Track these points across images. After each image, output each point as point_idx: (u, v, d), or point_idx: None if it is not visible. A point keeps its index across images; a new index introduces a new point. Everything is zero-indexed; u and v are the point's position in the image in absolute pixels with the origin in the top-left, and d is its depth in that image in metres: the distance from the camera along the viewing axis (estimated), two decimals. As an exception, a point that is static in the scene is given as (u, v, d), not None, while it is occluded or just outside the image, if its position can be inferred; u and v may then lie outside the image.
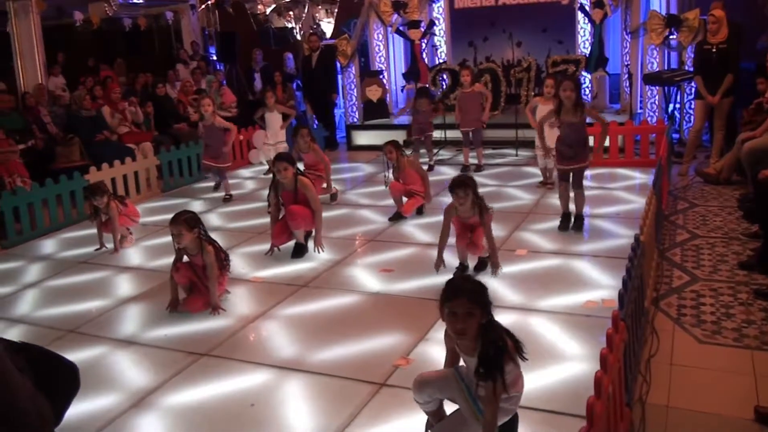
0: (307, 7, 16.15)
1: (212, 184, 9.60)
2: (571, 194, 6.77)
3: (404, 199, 7.62)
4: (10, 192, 7.90)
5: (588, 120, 6.78)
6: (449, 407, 3.36)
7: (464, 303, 3.00)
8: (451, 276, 5.51)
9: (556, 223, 6.85)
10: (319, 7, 16.47)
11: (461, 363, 3.30)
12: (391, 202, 7.79)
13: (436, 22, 13.16)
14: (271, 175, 10.33)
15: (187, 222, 5.24)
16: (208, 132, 9.13)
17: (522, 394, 3.20)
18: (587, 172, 7.00)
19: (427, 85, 11.93)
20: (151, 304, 5.61)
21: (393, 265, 6.14)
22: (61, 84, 12.53)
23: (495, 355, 2.98)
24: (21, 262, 7.08)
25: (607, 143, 9.33)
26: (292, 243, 6.61)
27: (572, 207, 6.81)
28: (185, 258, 5.43)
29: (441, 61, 13.00)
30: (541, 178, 8.73)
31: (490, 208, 5.65)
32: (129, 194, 9.06)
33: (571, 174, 6.71)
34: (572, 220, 6.79)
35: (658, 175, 6.28)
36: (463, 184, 5.47)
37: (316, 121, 12.67)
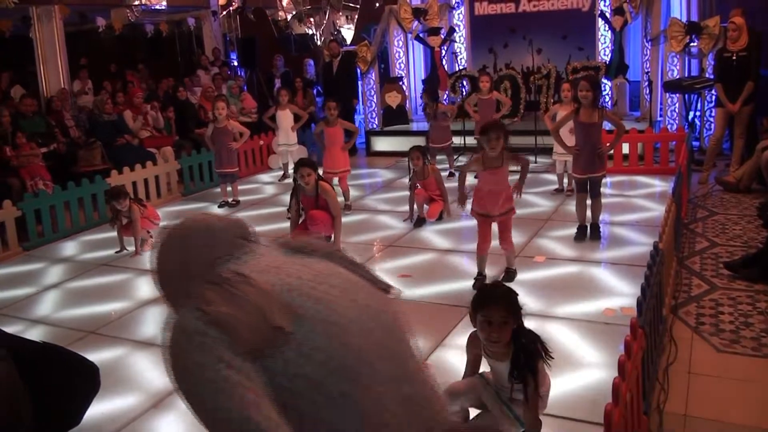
0: (327, 13, 16.22)
1: (229, 188, 9.43)
2: (588, 202, 6.73)
3: (425, 207, 7.65)
4: (32, 194, 7.99)
5: (606, 127, 6.74)
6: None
7: (500, 312, 3.03)
8: (467, 281, 5.59)
9: (575, 230, 6.83)
10: (340, 13, 16.54)
11: (482, 369, 3.32)
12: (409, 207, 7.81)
13: (456, 28, 13.17)
14: (285, 180, 10.43)
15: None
16: (218, 135, 9.04)
17: (549, 393, 3.24)
18: (607, 179, 6.95)
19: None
20: (170, 307, 5.64)
21: (411, 271, 6.15)
22: (86, 87, 12.64)
23: (527, 358, 3.03)
24: (42, 263, 7.16)
25: (626, 150, 9.34)
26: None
27: (588, 214, 6.76)
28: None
29: (461, 67, 13.01)
30: (557, 186, 8.73)
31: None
32: (150, 198, 9.14)
33: (588, 183, 6.68)
34: (588, 230, 6.76)
35: (678, 183, 6.25)
36: (495, 127, 5.43)
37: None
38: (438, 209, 7.62)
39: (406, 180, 7.98)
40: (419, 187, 7.66)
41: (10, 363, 2.30)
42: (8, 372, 2.36)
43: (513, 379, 3.07)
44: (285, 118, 10.23)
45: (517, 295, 3.14)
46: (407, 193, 7.91)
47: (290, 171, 10.33)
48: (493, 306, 3.05)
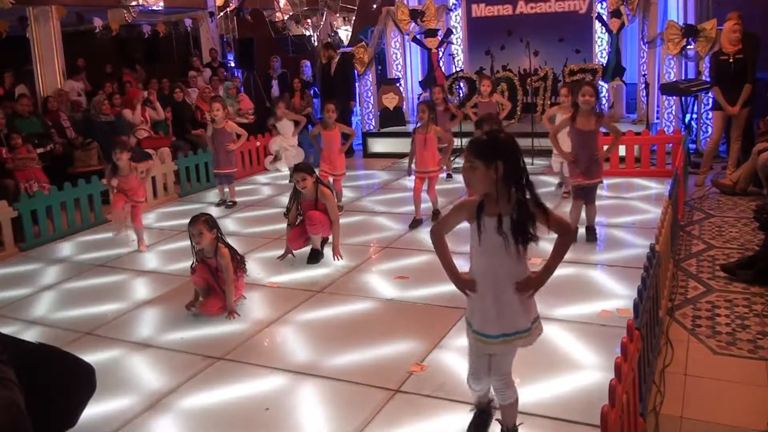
0: (324, 15, 16.20)
1: (226, 189, 9.36)
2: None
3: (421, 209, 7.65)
4: (28, 195, 7.98)
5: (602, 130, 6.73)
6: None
7: (466, 156, 3.11)
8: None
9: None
10: (337, 15, 16.52)
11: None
12: (406, 209, 7.81)
13: (454, 30, 13.19)
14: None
15: (207, 222, 5.28)
16: (217, 136, 9.04)
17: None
18: (604, 182, 6.93)
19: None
20: (167, 308, 5.65)
21: (408, 272, 6.15)
22: (78, 88, 12.59)
23: (525, 220, 3.25)
24: (39, 264, 7.15)
25: (623, 152, 9.35)
26: (307, 249, 6.64)
27: (582, 216, 6.75)
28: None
29: (458, 69, 13.02)
30: (556, 181, 8.73)
31: None
32: (146, 199, 9.12)
33: (585, 189, 6.64)
34: (585, 232, 6.74)
35: (675, 185, 6.26)
36: (489, 119, 5.60)
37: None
38: (433, 186, 7.64)
39: (404, 180, 7.98)
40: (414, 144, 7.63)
41: (13, 389, 2.26)
42: (12, 400, 2.33)
43: (517, 236, 3.28)
44: (286, 126, 10.27)
45: (495, 141, 3.07)
46: (405, 194, 7.95)
47: (282, 168, 10.43)
48: (465, 152, 3.14)
